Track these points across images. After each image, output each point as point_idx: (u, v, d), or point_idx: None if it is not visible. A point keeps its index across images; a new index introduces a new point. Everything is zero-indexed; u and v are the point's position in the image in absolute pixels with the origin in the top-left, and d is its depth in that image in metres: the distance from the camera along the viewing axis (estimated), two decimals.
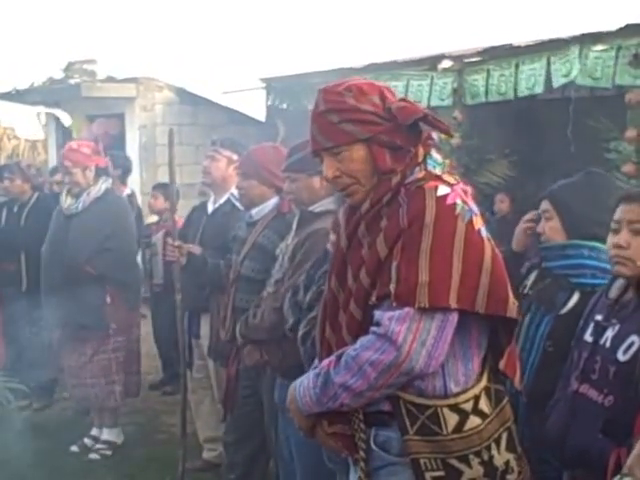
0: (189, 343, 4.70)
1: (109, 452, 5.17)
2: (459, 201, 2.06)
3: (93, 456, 5.12)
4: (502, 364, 2.20)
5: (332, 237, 2.88)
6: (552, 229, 2.84)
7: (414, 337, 1.97)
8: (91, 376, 5.07)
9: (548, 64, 5.91)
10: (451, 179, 2.15)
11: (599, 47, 5.60)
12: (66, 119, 8.86)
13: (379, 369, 1.99)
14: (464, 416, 2.07)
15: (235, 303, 3.76)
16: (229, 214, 4.47)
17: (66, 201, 5.14)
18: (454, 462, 2.04)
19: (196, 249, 4.45)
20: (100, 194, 5.06)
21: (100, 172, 5.12)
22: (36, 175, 6.44)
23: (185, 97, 9.43)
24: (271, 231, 3.77)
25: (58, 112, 8.93)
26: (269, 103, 8.86)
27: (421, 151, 2.15)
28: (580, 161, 3.01)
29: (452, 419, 2.05)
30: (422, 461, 2.05)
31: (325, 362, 2.12)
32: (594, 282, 2.72)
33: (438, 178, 2.12)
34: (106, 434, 5.26)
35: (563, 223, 2.81)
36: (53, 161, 10.59)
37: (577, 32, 5.76)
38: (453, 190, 2.09)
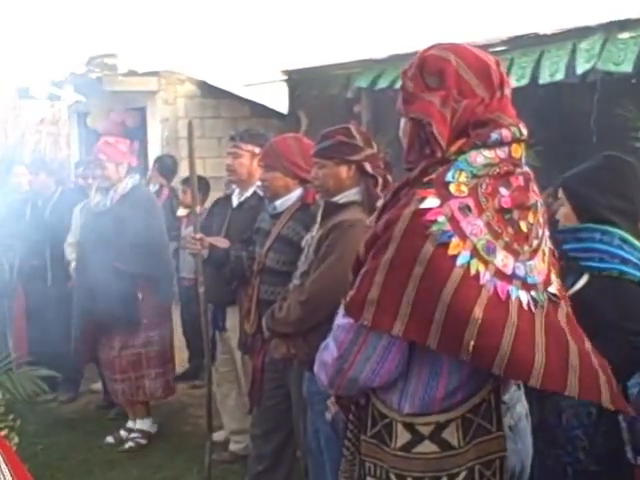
0: (213, 337, 4.69)
1: (144, 441, 5.23)
2: (441, 219, 1.80)
3: (129, 445, 5.17)
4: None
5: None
6: (565, 215, 2.89)
7: (359, 349, 1.90)
8: (120, 371, 5.11)
9: (573, 51, 5.83)
10: (462, 191, 1.84)
11: (625, 34, 5.52)
12: (80, 98, 8.93)
13: (330, 372, 1.98)
14: (418, 438, 1.93)
15: (260, 295, 3.74)
16: (256, 207, 4.41)
17: (94, 199, 5.16)
18: (393, 478, 1.97)
19: (223, 242, 4.41)
20: (127, 191, 5.09)
21: (130, 171, 5.16)
22: (59, 170, 6.45)
23: (207, 90, 9.42)
24: (296, 222, 3.74)
25: (71, 93, 8.99)
26: (291, 95, 8.83)
27: (454, 149, 1.88)
28: (606, 150, 2.99)
29: (404, 437, 1.95)
30: (367, 464, 2.02)
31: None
32: (601, 266, 2.72)
33: (442, 186, 1.84)
34: (139, 424, 5.31)
35: (573, 208, 2.85)
36: (76, 156, 10.63)
37: (603, 19, 5.68)
38: (445, 205, 1.81)
